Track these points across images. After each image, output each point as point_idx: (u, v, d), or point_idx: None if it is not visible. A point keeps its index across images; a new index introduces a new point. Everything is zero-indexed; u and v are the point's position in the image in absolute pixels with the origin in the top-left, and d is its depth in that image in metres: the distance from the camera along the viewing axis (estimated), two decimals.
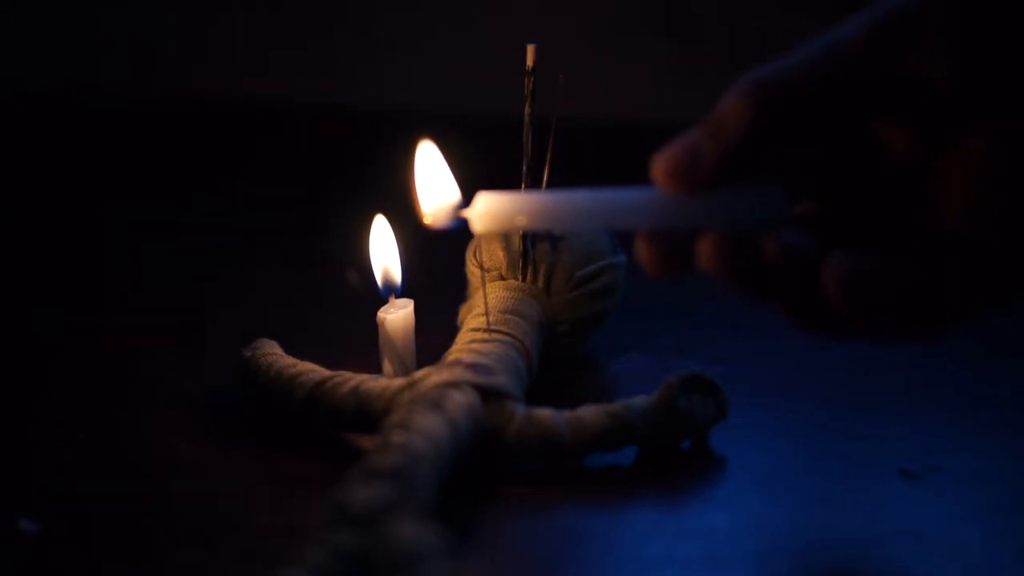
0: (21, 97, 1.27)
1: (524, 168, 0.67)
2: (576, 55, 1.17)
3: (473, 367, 0.60)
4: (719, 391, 0.60)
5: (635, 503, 0.58)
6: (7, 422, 0.65)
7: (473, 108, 1.14)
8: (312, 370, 0.62)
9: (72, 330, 0.76)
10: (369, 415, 0.59)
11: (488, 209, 0.53)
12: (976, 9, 0.48)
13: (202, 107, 1.25)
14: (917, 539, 0.54)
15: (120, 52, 1.30)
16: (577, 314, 0.67)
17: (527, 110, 0.66)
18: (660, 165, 0.51)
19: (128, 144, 1.17)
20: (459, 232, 0.57)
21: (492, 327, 0.63)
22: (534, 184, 0.67)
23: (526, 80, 0.66)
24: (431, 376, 0.59)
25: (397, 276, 0.67)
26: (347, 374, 0.61)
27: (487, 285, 0.66)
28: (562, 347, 0.68)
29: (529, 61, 0.66)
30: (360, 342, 0.69)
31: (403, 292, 0.67)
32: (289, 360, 0.63)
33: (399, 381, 0.60)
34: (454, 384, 0.58)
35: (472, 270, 0.68)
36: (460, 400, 0.57)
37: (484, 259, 0.68)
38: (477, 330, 0.64)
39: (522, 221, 0.53)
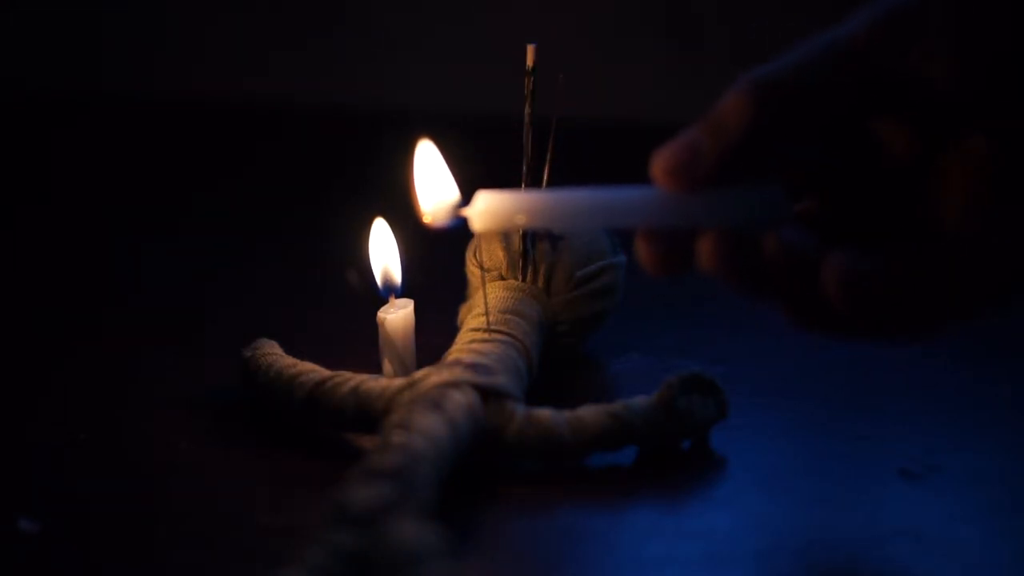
0: (21, 97, 1.26)
1: (524, 168, 0.67)
2: (576, 55, 1.17)
3: (473, 367, 0.60)
4: (719, 391, 0.60)
5: (635, 503, 0.58)
6: (7, 422, 0.65)
7: (473, 108, 1.14)
8: (312, 370, 0.62)
9: (72, 330, 0.76)
10: (369, 415, 0.59)
11: (487, 208, 0.53)
12: (976, 9, 0.48)
13: (202, 107, 1.25)
14: (917, 539, 0.54)
15: (120, 52, 1.30)
16: (577, 314, 0.67)
17: (527, 110, 0.66)
18: (660, 163, 0.51)
19: (128, 144, 1.17)
20: (459, 231, 0.57)
21: (492, 327, 0.63)
22: (534, 184, 0.67)
23: (526, 80, 0.66)
24: (431, 376, 0.59)
25: (397, 276, 0.67)
26: (347, 374, 0.61)
27: (487, 285, 0.66)
28: (562, 347, 0.68)
29: (529, 61, 0.66)
30: (360, 342, 0.69)
31: (403, 292, 0.67)
32: (289, 360, 0.63)
33: (399, 381, 0.60)
34: (454, 384, 0.58)
35: (472, 270, 0.68)
36: (460, 400, 0.57)
37: (484, 259, 0.68)
38: (477, 330, 0.64)
39: (521, 220, 0.53)
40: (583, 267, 0.67)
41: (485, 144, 0.85)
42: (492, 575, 0.53)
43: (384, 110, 1.20)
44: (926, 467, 0.59)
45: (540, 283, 0.67)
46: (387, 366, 0.66)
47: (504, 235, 0.67)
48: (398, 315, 0.65)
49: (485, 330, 0.63)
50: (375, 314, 0.66)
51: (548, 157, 0.67)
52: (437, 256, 0.74)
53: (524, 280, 0.67)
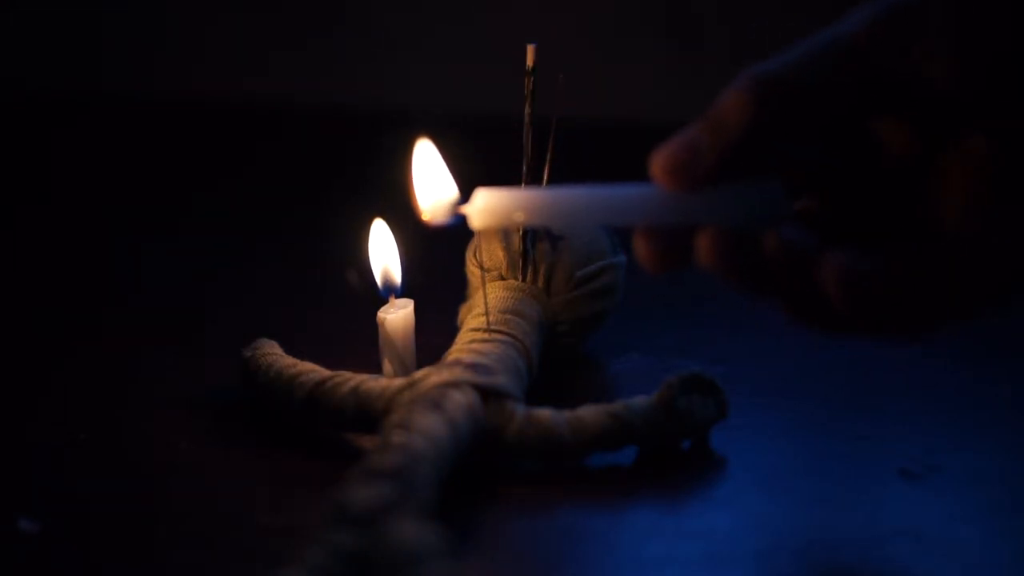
0: (21, 97, 1.26)
1: (524, 168, 0.67)
2: (576, 55, 1.17)
3: (473, 367, 0.60)
4: (719, 391, 0.60)
5: (635, 503, 0.58)
6: (7, 422, 0.65)
7: (473, 108, 1.14)
8: (312, 370, 0.62)
9: (72, 330, 0.76)
10: (369, 415, 0.59)
11: (486, 205, 0.53)
12: (976, 9, 0.48)
13: (202, 107, 1.25)
14: (917, 539, 0.54)
15: (120, 52, 1.30)
16: (577, 314, 0.67)
17: (527, 110, 0.66)
18: (659, 162, 0.51)
19: (128, 144, 1.17)
20: (458, 228, 0.57)
21: (492, 327, 0.63)
22: (534, 184, 0.67)
23: (526, 80, 0.66)
24: (431, 376, 0.59)
25: (397, 276, 0.67)
26: (347, 374, 0.61)
27: (487, 285, 0.66)
28: (562, 347, 0.68)
29: (529, 61, 0.66)
30: (360, 342, 0.69)
31: (403, 292, 0.67)
32: (289, 360, 0.63)
33: (399, 381, 0.60)
34: (454, 384, 0.58)
35: (472, 270, 0.68)
36: (460, 400, 0.57)
37: (484, 259, 0.68)
38: (477, 330, 0.64)
39: (520, 217, 0.53)
40: (583, 267, 0.67)
41: (485, 144, 0.85)
42: (492, 575, 0.53)
43: (384, 110, 1.20)
44: (926, 467, 0.59)
45: (540, 283, 0.67)
46: (387, 366, 0.66)
47: (504, 235, 0.67)
48: (398, 315, 0.65)
49: (485, 330, 0.63)
50: (375, 314, 0.66)
51: (548, 157, 0.67)
52: (437, 256, 0.74)
53: (524, 280, 0.67)
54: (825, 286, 0.49)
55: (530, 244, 0.67)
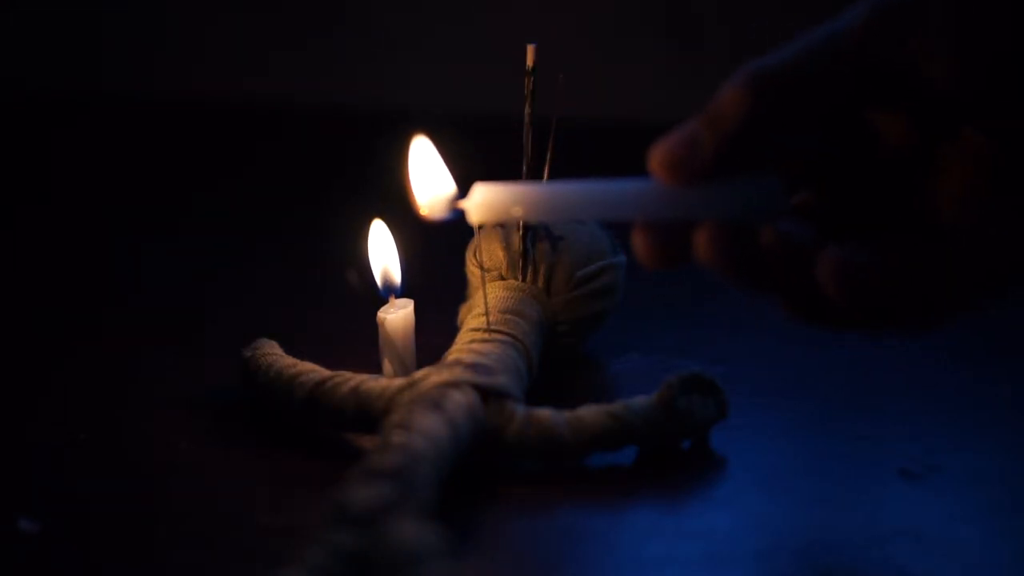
0: (21, 97, 1.26)
1: (524, 168, 0.67)
2: (576, 55, 1.17)
3: (473, 367, 0.60)
4: (719, 391, 0.60)
5: (635, 503, 0.58)
6: (7, 422, 0.65)
7: (473, 108, 1.14)
8: (312, 370, 0.62)
9: (72, 330, 0.76)
10: (369, 415, 0.59)
11: (485, 200, 0.53)
12: (977, 11, 0.48)
13: (202, 107, 1.25)
14: (917, 539, 0.54)
15: (120, 52, 1.30)
16: (577, 314, 0.67)
17: (527, 110, 0.66)
18: (657, 156, 0.51)
19: (128, 144, 1.17)
20: (456, 223, 0.57)
21: (492, 327, 0.63)
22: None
23: (526, 80, 0.66)
24: (431, 376, 0.59)
25: (397, 276, 0.67)
26: (347, 374, 0.61)
27: (487, 285, 0.66)
28: (562, 347, 0.68)
29: (529, 61, 0.66)
30: (360, 342, 0.69)
31: (403, 292, 0.67)
32: (289, 360, 0.63)
33: (399, 381, 0.60)
34: (454, 384, 0.58)
35: (472, 270, 0.68)
36: (460, 400, 0.57)
37: (484, 259, 0.68)
38: (477, 330, 0.64)
39: (518, 212, 0.53)
40: (583, 267, 0.67)
41: (485, 144, 0.85)
42: (492, 575, 0.53)
43: (384, 110, 1.20)
44: (926, 467, 0.59)
45: (540, 283, 0.67)
46: (387, 366, 0.66)
47: (504, 235, 0.67)
48: (398, 315, 0.65)
49: (485, 330, 0.63)
50: (375, 314, 0.66)
51: (548, 157, 0.67)
52: (437, 256, 0.74)
53: (524, 280, 0.67)
54: (822, 279, 0.49)
55: (530, 244, 0.67)
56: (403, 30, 1.27)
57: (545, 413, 0.59)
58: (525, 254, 0.67)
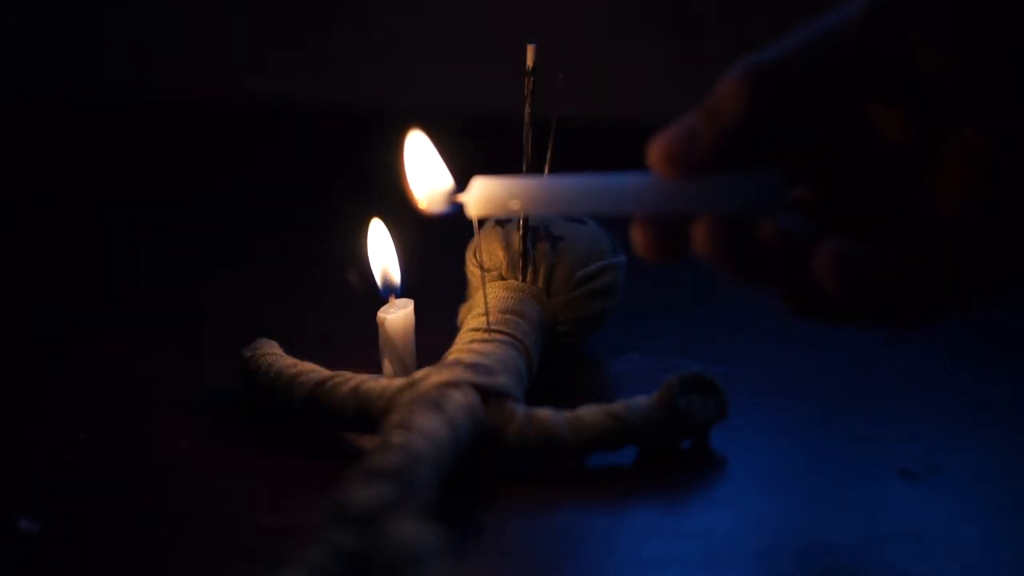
0: (21, 97, 1.27)
1: (524, 168, 0.67)
2: (576, 55, 1.17)
3: (473, 367, 0.60)
4: (719, 391, 0.60)
5: (635, 503, 0.58)
6: (7, 422, 0.65)
7: (473, 108, 1.14)
8: (312, 370, 0.62)
9: (72, 330, 0.76)
10: (369, 415, 0.59)
11: (483, 193, 0.53)
12: (976, 5, 0.48)
13: (202, 107, 1.25)
14: (917, 539, 0.54)
15: (120, 52, 1.30)
16: (577, 314, 0.67)
17: (527, 110, 0.66)
18: (656, 150, 0.51)
19: (128, 144, 1.17)
20: (454, 218, 0.57)
21: (492, 327, 0.63)
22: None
23: (526, 80, 0.66)
24: (431, 376, 0.59)
25: (396, 276, 0.67)
26: (347, 374, 0.61)
27: (487, 285, 0.66)
28: (562, 347, 0.68)
29: (529, 61, 0.66)
30: (360, 342, 0.69)
31: (403, 292, 0.67)
32: (289, 360, 0.63)
33: (399, 381, 0.60)
34: (454, 384, 0.58)
35: (472, 270, 0.68)
36: (460, 400, 0.57)
37: (484, 259, 0.68)
38: (477, 330, 0.64)
39: (516, 205, 0.53)
40: (583, 267, 0.67)
41: (485, 144, 0.85)
42: (492, 575, 0.53)
43: (384, 110, 1.20)
44: (926, 467, 0.59)
45: (540, 283, 0.67)
46: (387, 366, 0.66)
47: (504, 235, 0.67)
48: (398, 315, 0.65)
49: (485, 330, 0.63)
50: (375, 314, 0.66)
51: (548, 157, 0.67)
52: (437, 256, 0.74)
53: (524, 280, 0.67)
54: (819, 273, 0.49)
55: (530, 244, 0.67)
56: (403, 30, 1.27)
57: (545, 413, 0.59)
58: (525, 254, 0.67)
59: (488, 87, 1.06)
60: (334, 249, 0.82)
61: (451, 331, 0.66)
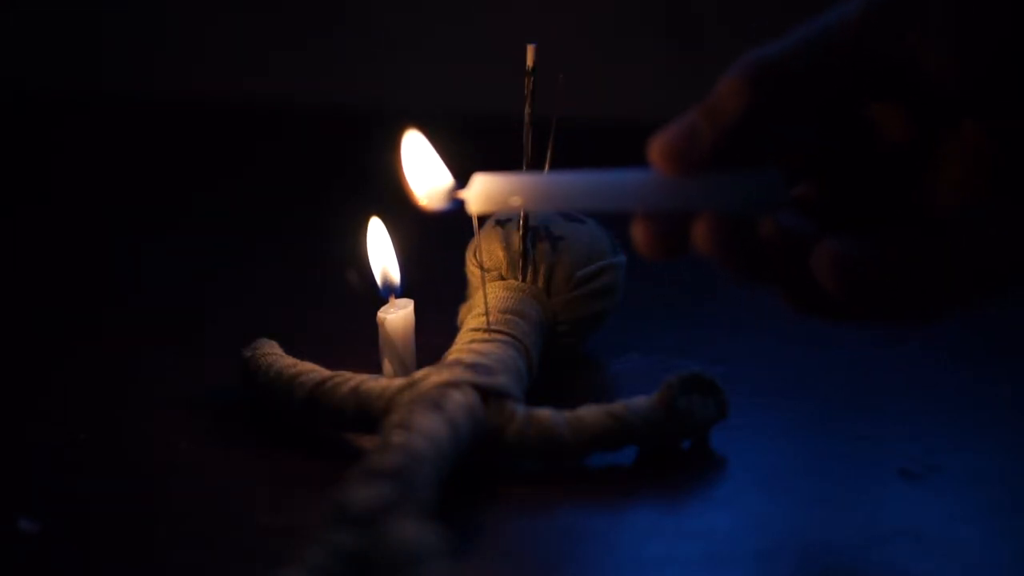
0: (21, 97, 1.26)
1: (524, 168, 0.67)
2: (576, 55, 1.17)
3: (473, 367, 0.60)
4: (719, 391, 0.60)
5: (635, 503, 0.58)
6: (7, 422, 0.65)
7: (473, 108, 1.14)
8: (312, 370, 0.62)
9: (72, 330, 0.76)
10: (369, 415, 0.59)
11: (484, 189, 0.53)
12: (976, 5, 0.48)
13: (202, 107, 1.25)
14: (917, 539, 0.54)
15: (120, 52, 1.30)
16: (577, 314, 0.67)
17: (527, 110, 0.66)
18: (656, 147, 0.51)
19: (128, 144, 1.17)
20: (454, 216, 0.57)
21: (492, 327, 0.63)
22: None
23: (526, 80, 0.66)
24: (431, 376, 0.59)
25: (396, 276, 0.67)
26: (347, 374, 0.61)
27: (487, 285, 0.66)
28: (562, 347, 0.68)
29: (529, 61, 0.66)
30: (360, 342, 0.69)
31: (403, 292, 0.67)
32: (289, 360, 0.63)
33: (399, 381, 0.60)
34: (454, 384, 0.58)
35: (472, 270, 0.68)
36: (460, 400, 0.57)
37: (484, 259, 0.68)
38: (477, 330, 0.64)
39: (517, 202, 0.53)
40: (583, 267, 0.67)
41: (485, 144, 0.85)
42: (492, 575, 0.53)
43: (384, 110, 1.19)
44: (926, 467, 0.59)
45: (540, 283, 0.67)
46: (387, 366, 0.66)
47: (504, 235, 0.67)
48: (398, 315, 0.65)
49: (485, 330, 0.63)
50: (375, 314, 0.66)
51: (548, 157, 0.67)
52: (436, 255, 0.74)
53: (524, 280, 0.67)
54: (818, 272, 0.49)
55: (530, 244, 0.67)
56: (403, 30, 1.27)
57: (545, 413, 0.59)
58: (525, 254, 0.67)
59: (488, 87, 1.06)
60: (334, 249, 0.82)
61: (451, 331, 0.66)
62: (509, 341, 0.63)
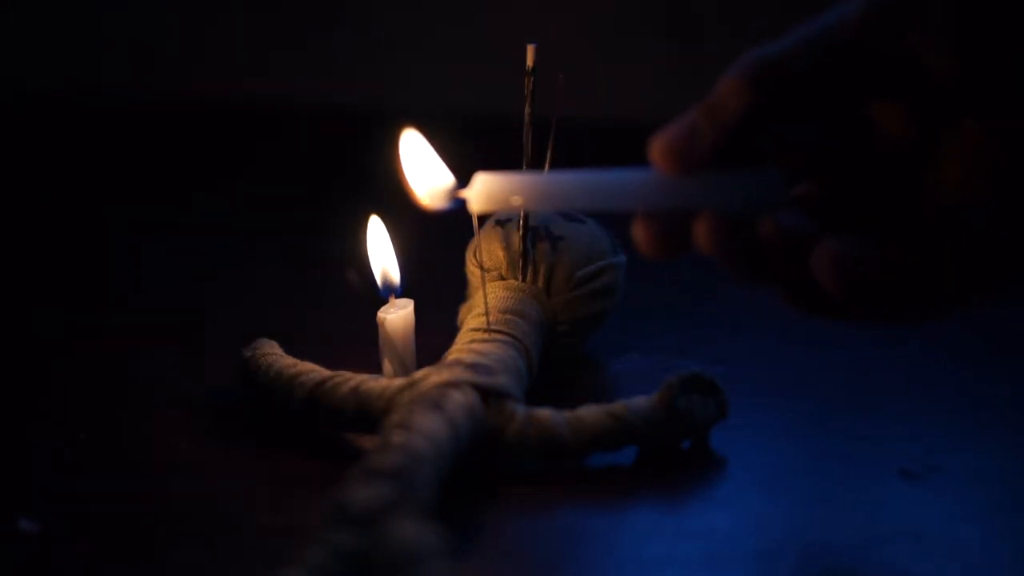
0: (21, 97, 1.26)
1: (524, 168, 0.67)
2: (576, 55, 1.17)
3: (473, 367, 0.60)
4: (719, 391, 0.60)
5: (635, 503, 0.58)
6: (7, 422, 0.65)
7: (473, 108, 1.14)
8: (312, 370, 0.62)
9: (72, 330, 0.76)
10: (369, 415, 0.59)
11: (485, 189, 0.53)
12: (976, 5, 0.48)
13: (202, 107, 1.25)
14: (917, 539, 0.54)
15: (120, 52, 1.30)
16: (577, 314, 0.67)
17: (527, 110, 0.66)
18: (658, 146, 0.51)
19: (128, 144, 1.17)
20: (455, 216, 0.57)
21: (492, 327, 0.63)
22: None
23: (526, 80, 0.66)
24: (431, 376, 0.59)
25: (396, 276, 0.67)
26: (347, 374, 0.61)
27: (487, 285, 0.66)
28: (562, 347, 0.68)
29: (529, 61, 0.66)
30: (360, 342, 0.69)
31: (403, 292, 0.67)
32: (289, 360, 0.63)
33: (399, 381, 0.60)
34: (454, 384, 0.58)
35: (472, 270, 0.68)
36: (460, 400, 0.57)
37: (484, 259, 0.68)
38: (477, 330, 0.64)
39: (518, 201, 0.53)
40: (583, 267, 0.67)
41: (485, 144, 0.85)
42: (492, 575, 0.53)
43: (384, 110, 1.19)
44: (926, 467, 0.59)
45: (540, 283, 0.67)
46: (387, 366, 0.66)
47: (504, 235, 0.67)
48: (398, 315, 0.65)
49: (485, 330, 0.63)
50: (375, 314, 0.66)
51: (548, 157, 0.67)
52: (437, 255, 0.74)
53: (524, 280, 0.67)
54: (818, 272, 0.50)
55: (530, 244, 0.67)
56: (403, 30, 1.27)
57: (545, 413, 0.59)
58: (525, 254, 0.67)
59: (488, 87, 1.06)
60: (334, 249, 0.82)
61: (451, 331, 0.66)
62: (509, 341, 0.63)
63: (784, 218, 0.51)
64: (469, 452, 0.57)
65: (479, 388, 0.59)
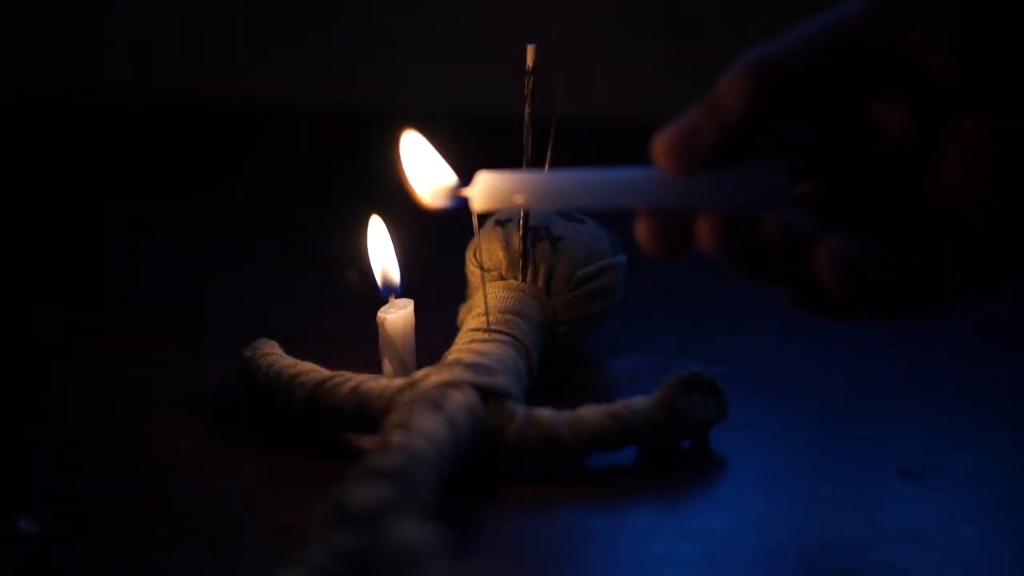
0: (21, 97, 1.26)
1: (524, 168, 0.67)
2: (576, 55, 1.17)
3: (473, 367, 0.60)
4: (719, 391, 0.60)
5: (635, 503, 0.58)
6: (7, 422, 0.65)
7: (473, 108, 1.14)
8: (312, 370, 0.62)
9: (72, 330, 0.76)
10: (369, 415, 0.59)
11: (487, 187, 0.53)
12: (976, 5, 0.48)
13: (202, 107, 1.25)
14: (917, 539, 0.54)
15: (120, 52, 1.30)
16: (577, 314, 0.67)
17: (527, 110, 0.66)
18: (659, 144, 0.51)
19: (128, 144, 1.17)
20: (456, 215, 0.57)
21: (492, 327, 0.63)
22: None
23: (526, 80, 0.66)
24: (431, 376, 0.59)
25: (396, 276, 0.67)
26: (347, 374, 0.61)
27: (487, 285, 0.66)
28: (562, 347, 0.68)
29: (529, 61, 0.66)
30: (360, 342, 0.69)
31: (403, 292, 0.67)
32: (289, 360, 0.63)
33: (399, 381, 0.60)
34: (454, 384, 0.58)
35: (472, 270, 0.68)
36: (460, 400, 0.57)
37: (484, 259, 0.68)
38: (477, 330, 0.64)
39: (520, 200, 0.53)
40: (583, 267, 0.67)
41: (485, 144, 0.85)
42: (492, 575, 0.53)
43: (384, 110, 1.19)
44: (926, 467, 0.59)
45: (540, 283, 0.67)
46: (387, 366, 0.66)
47: (504, 235, 0.67)
48: (398, 315, 0.65)
49: (485, 330, 0.63)
50: (375, 314, 0.66)
51: (548, 157, 0.67)
52: (437, 255, 0.74)
53: (524, 280, 0.67)
54: (819, 271, 0.50)
55: (530, 244, 0.67)
56: (403, 30, 1.27)
57: (545, 413, 0.59)
58: (525, 254, 0.67)
59: (488, 87, 1.06)
60: (334, 249, 0.82)
61: (451, 331, 0.66)
62: (509, 341, 0.63)
63: (786, 216, 0.51)
64: (469, 452, 0.57)
65: (479, 388, 0.59)
